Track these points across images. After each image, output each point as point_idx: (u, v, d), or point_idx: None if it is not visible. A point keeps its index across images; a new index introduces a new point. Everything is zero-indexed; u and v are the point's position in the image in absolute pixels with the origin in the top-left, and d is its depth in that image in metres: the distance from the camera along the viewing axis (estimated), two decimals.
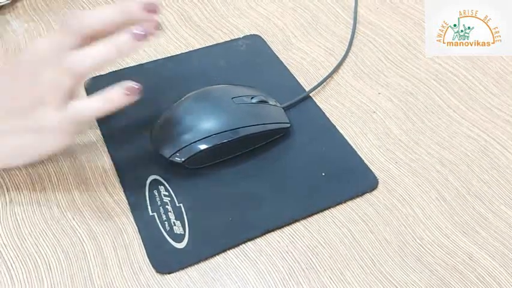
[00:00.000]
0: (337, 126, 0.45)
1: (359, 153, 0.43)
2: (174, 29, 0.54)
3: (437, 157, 0.43)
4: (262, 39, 0.53)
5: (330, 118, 0.46)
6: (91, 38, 0.35)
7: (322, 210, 0.39)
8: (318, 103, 0.47)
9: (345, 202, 0.40)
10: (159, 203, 0.39)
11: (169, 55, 0.51)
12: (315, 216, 0.39)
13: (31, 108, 0.34)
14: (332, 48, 0.53)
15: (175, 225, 0.37)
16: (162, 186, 0.39)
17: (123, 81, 0.35)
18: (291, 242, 0.37)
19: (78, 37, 0.35)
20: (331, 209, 0.39)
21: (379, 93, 0.48)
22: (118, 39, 0.34)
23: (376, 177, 0.41)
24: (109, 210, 0.38)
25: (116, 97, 0.34)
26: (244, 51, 0.52)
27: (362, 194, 0.40)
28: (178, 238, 0.37)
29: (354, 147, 0.43)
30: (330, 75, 0.49)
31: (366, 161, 0.42)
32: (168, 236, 0.37)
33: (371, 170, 0.42)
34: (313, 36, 0.54)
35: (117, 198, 0.39)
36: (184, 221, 0.38)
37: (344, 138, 0.44)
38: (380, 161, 0.43)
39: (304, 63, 0.51)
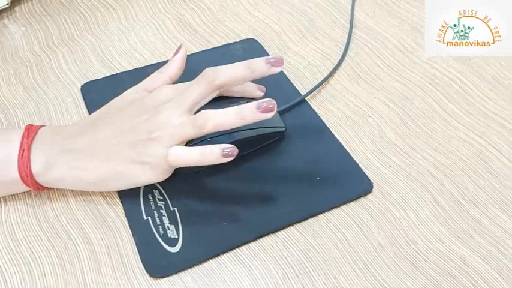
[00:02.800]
0: (332, 130, 0.45)
1: (354, 157, 0.43)
2: (172, 33, 0.54)
3: (433, 162, 0.43)
4: (259, 43, 0.53)
5: (325, 122, 0.46)
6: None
7: (316, 214, 0.39)
8: (314, 107, 0.47)
9: (339, 206, 0.40)
10: (153, 207, 0.39)
11: (166, 59, 0.51)
12: (309, 220, 0.39)
13: (145, 143, 0.37)
14: (328, 52, 0.53)
15: (169, 229, 0.37)
16: (156, 191, 0.39)
17: (223, 145, 0.37)
18: (285, 247, 0.37)
19: (212, 89, 0.38)
20: (326, 213, 0.39)
21: (375, 98, 0.48)
22: (245, 109, 0.37)
23: (370, 182, 0.41)
24: (103, 214, 0.39)
25: (213, 155, 0.36)
26: (241, 55, 0.52)
27: (356, 198, 0.40)
28: (172, 242, 0.37)
29: (349, 151, 0.43)
30: (325, 79, 0.49)
31: (360, 165, 0.42)
32: (162, 240, 0.37)
33: (366, 174, 0.42)
34: (309, 41, 0.54)
35: (111, 202, 0.39)
36: (178, 225, 0.38)
37: (339, 142, 0.44)
38: (375, 165, 0.43)
39: (301, 67, 0.51)
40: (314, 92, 0.48)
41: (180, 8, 0.58)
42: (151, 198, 0.39)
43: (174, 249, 0.36)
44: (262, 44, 0.53)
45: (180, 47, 0.43)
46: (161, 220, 0.38)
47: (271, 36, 0.54)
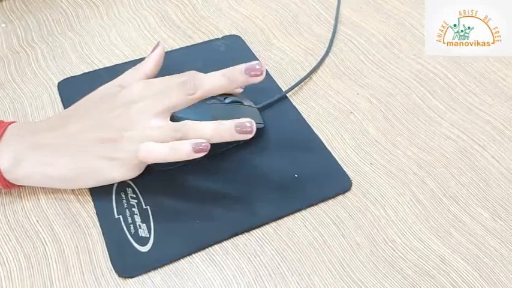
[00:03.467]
0: (313, 127, 0.44)
1: (334, 154, 0.42)
2: (153, 30, 0.53)
3: (415, 159, 0.42)
4: (242, 39, 0.52)
5: (306, 119, 0.45)
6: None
7: (293, 213, 0.38)
8: (295, 104, 0.46)
9: (316, 204, 0.39)
10: (125, 205, 0.38)
11: (146, 56, 0.51)
12: (286, 219, 0.38)
13: (116, 139, 0.36)
14: (312, 48, 0.52)
15: (140, 228, 0.36)
16: (129, 189, 0.39)
17: (195, 140, 0.36)
18: (259, 246, 0.36)
19: (190, 101, 0.37)
20: (303, 211, 0.38)
21: (358, 94, 0.47)
22: (223, 126, 0.37)
23: (349, 179, 0.40)
24: (74, 213, 0.38)
25: (183, 150, 0.35)
26: (223, 51, 0.51)
27: (335, 196, 0.39)
28: (143, 241, 0.36)
29: (329, 148, 0.42)
30: (307, 76, 0.48)
31: (340, 162, 0.41)
32: (133, 239, 0.36)
33: (345, 172, 0.41)
34: (293, 37, 0.53)
35: (83, 201, 0.38)
36: (150, 223, 0.37)
37: (319, 139, 0.43)
38: (355, 162, 0.42)
39: (283, 64, 0.50)
40: (296, 88, 0.47)
41: (163, 4, 0.57)
42: (123, 196, 0.38)
43: (145, 249, 0.35)
44: (245, 40, 0.52)
45: (158, 44, 0.42)
46: (133, 219, 0.37)
47: (254, 32, 0.53)
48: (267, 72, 0.49)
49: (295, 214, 0.38)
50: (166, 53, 0.51)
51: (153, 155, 0.36)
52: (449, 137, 0.44)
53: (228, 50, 0.51)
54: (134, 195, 0.38)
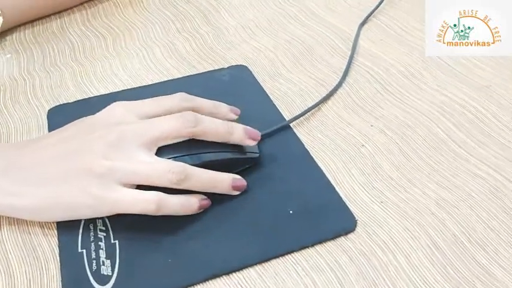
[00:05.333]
0: (316, 160, 0.39)
1: (338, 190, 0.36)
2: (158, 60, 0.51)
3: (434, 197, 0.36)
4: (248, 69, 0.49)
5: (309, 150, 0.40)
6: None
7: (282, 254, 0.32)
8: (299, 134, 0.41)
9: (312, 246, 0.33)
10: (92, 238, 0.33)
11: (145, 84, 0.48)
12: (273, 261, 0.32)
13: (94, 171, 0.32)
14: (324, 79, 0.47)
15: (103, 264, 0.32)
16: (100, 220, 0.34)
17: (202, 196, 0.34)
18: None
19: (187, 135, 0.35)
20: (295, 253, 0.32)
21: (372, 126, 0.42)
22: (221, 180, 0.35)
23: (354, 218, 0.34)
24: (35, 244, 0.33)
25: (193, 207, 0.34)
26: (227, 81, 0.48)
27: (335, 237, 0.33)
28: (104, 280, 0.31)
29: (333, 183, 0.37)
30: (315, 106, 0.44)
31: (344, 199, 0.35)
32: (93, 277, 0.31)
33: (349, 209, 0.35)
34: (304, 67, 0.49)
35: (47, 231, 0.34)
36: (115, 260, 0.32)
37: (322, 172, 0.37)
38: (362, 200, 0.36)
39: (290, 94, 0.46)
40: (301, 118, 0.43)
41: (172, 37, 0.54)
42: (92, 228, 0.34)
43: None
44: (252, 70, 0.49)
45: None
46: (97, 254, 0.32)
47: (263, 63, 0.50)
48: (270, 102, 0.45)
49: (286, 256, 0.32)
50: (166, 81, 0.48)
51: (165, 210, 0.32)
52: (477, 174, 0.37)
53: (232, 80, 0.48)
54: (104, 228, 0.34)
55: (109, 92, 0.47)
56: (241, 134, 0.36)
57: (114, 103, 0.36)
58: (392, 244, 0.33)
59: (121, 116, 0.35)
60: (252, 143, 0.37)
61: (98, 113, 0.36)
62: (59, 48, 0.53)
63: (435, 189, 0.36)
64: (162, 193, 0.32)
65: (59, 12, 0.58)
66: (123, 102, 0.36)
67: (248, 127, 0.37)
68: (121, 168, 0.32)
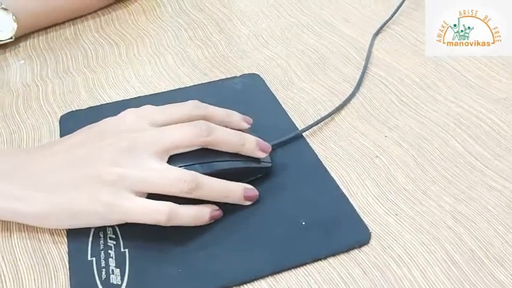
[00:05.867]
0: (329, 170, 0.38)
1: (352, 201, 0.36)
2: (170, 68, 0.51)
3: (450, 211, 0.35)
4: (261, 78, 0.49)
5: (322, 161, 0.39)
6: None
7: (295, 267, 0.32)
8: (312, 144, 0.41)
9: (325, 258, 0.32)
10: (101, 246, 0.33)
11: (157, 92, 0.48)
12: (285, 274, 0.31)
13: (104, 178, 0.32)
14: (337, 89, 0.47)
15: (113, 273, 0.31)
16: (110, 228, 0.34)
17: (206, 206, 0.34)
18: None
19: (200, 144, 0.34)
20: (307, 265, 0.32)
21: (386, 137, 0.41)
22: (233, 190, 0.34)
23: (368, 230, 0.33)
24: (45, 251, 0.33)
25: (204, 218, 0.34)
26: (239, 89, 0.47)
27: (348, 249, 0.32)
28: None
29: (346, 194, 0.36)
30: (328, 116, 0.43)
31: (358, 211, 0.35)
32: (102, 285, 0.30)
33: (363, 222, 0.34)
34: (318, 77, 0.49)
35: (57, 238, 0.34)
36: (125, 269, 0.31)
37: (335, 183, 0.37)
38: (376, 212, 0.35)
39: (303, 103, 0.45)
40: (314, 128, 0.42)
41: (185, 44, 0.54)
42: (102, 236, 0.33)
43: None
44: (264, 79, 0.48)
45: None
46: (107, 262, 0.32)
47: (275, 72, 0.49)
48: (283, 111, 0.44)
49: (298, 269, 0.31)
50: (178, 89, 0.48)
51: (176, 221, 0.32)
52: (494, 187, 0.36)
53: (245, 88, 0.47)
54: (114, 236, 0.33)
55: (121, 99, 0.46)
56: (253, 146, 0.36)
57: (126, 110, 0.36)
58: (407, 258, 0.32)
59: (133, 123, 0.35)
60: (263, 155, 0.36)
61: (109, 119, 0.36)
62: (72, 54, 0.53)
63: (451, 202, 0.35)
64: (174, 204, 0.31)
65: (72, 19, 0.58)
66: (135, 109, 0.36)
67: (260, 139, 0.36)
68: (132, 175, 0.31)
